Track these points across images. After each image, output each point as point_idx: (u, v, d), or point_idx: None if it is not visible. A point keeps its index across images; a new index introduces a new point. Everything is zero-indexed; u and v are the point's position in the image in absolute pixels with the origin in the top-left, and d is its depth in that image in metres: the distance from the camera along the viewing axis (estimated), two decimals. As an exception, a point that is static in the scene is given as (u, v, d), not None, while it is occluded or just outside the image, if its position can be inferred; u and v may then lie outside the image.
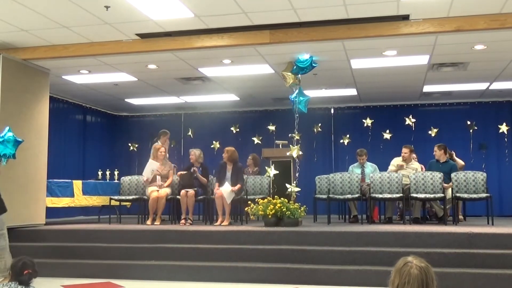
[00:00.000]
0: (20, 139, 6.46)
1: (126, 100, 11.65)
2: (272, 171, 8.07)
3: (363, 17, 6.66)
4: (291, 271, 6.18)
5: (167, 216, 9.20)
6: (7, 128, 6.39)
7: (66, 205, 8.92)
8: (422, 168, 8.91)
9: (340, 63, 8.54)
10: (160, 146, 8.94)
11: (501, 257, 5.88)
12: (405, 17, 6.67)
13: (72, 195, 8.95)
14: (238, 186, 8.17)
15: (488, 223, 7.89)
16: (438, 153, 8.68)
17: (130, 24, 6.91)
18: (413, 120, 11.41)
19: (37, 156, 8.09)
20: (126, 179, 9.29)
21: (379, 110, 11.89)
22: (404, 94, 10.96)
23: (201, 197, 8.56)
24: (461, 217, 8.43)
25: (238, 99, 11.45)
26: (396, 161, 8.81)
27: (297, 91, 8.28)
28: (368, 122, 11.66)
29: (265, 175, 8.59)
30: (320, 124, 11.94)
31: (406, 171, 8.52)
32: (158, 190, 8.49)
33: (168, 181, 8.75)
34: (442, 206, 8.31)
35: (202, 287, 6.04)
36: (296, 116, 8.19)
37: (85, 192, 9.21)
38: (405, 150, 8.68)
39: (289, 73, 8.18)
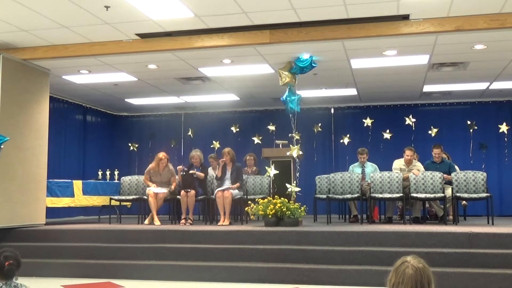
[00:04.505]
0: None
1: (126, 100, 11.65)
2: (272, 171, 8.07)
3: (363, 17, 6.66)
4: (291, 271, 6.18)
5: (167, 216, 9.20)
6: None
7: (66, 205, 8.92)
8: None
9: (340, 63, 8.53)
10: (162, 157, 8.77)
11: (501, 257, 5.88)
12: (405, 17, 6.67)
13: (72, 195, 8.94)
14: (237, 184, 8.27)
15: (488, 223, 7.89)
16: (436, 151, 8.69)
17: (130, 24, 6.91)
18: (413, 120, 11.41)
19: (37, 156, 8.09)
20: (126, 179, 9.29)
21: (379, 110, 11.89)
22: (404, 94, 10.96)
23: (201, 197, 8.58)
24: (450, 217, 8.39)
25: (238, 99, 11.45)
26: (398, 164, 8.75)
27: (287, 91, 8.26)
28: (368, 122, 11.66)
29: (265, 175, 8.59)
30: (320, 124, 11.94)
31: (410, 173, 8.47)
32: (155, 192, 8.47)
33: (172, 187, 8.70)
34: (442, 206, 8.32)
35: (202, 287, 6.04)
36: (291, 116, 8.18)
37: (85, 192, 9.21)
38: (409, 153, 8.59)
39: (286, 72, 8.16)
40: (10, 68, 7.59)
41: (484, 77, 9.53)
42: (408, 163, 8.61)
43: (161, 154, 8.85)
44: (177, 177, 8.94)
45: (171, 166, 9.00)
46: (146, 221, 8.39)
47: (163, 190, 8.54)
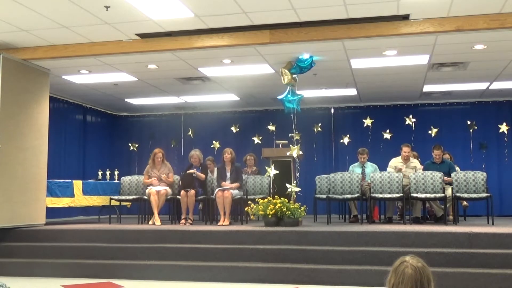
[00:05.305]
0: None
1: (126, 100, 11.65)
2: (272, 171, 8.07)
3: (363, 17, 6.66)
4: (291, 271, 6.18)
5: (167, 216, 9.20)
6: None
7: (66, 205, 8.92)
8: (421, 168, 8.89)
9: (340, 63, 8.53)
10: (157, 151, 8.82)
11: (501, 257, 5.87)
12: (405, 17, 6.67)
13: (72, 195, 8.94)
14: (236, 184, 8.28)
15: (488, 222, 7.89)
16: (437, 153, 8.69)
17: (130, 24, 6.91)
18: (413, 120, 11.42)
19: (37, 156, 8.08)
20: (126, 179, 9.29)
21: (379, 110, 11.89)
22: (404, 94, 10.96)
23: (201, 197, 8.58)
24: (450, 217, 8.40)
25: (238, 99, 11.45)
26: (394, 162, 8.77)
27: (286, 91, 8.26)
28: (368, 122, 11.67)
29: (265, 175, 8.59)
30: (320, 124, 11.95)
31: (406, 171, 8.49)
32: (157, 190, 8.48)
33: (169, 181, 8.74)
34: (442, 206, 8.31)
35: (202, 287, 6.04)
36: (291, 116, 8.18)
37: (85, 192, 9.20)
38: (406, 149, 8.62)
39: (287, 71, 8.16)
40: (10, 68, 7.59)
41: (484, 77, 9.53)
42: (406, 159, 8.62)
43: (157, 149, 8.92)
44: (177, 177, 8.94)
45: (169, 164, 9.01)
46: (150, 222, 8.38)
47: (163, 188, 8.55)
